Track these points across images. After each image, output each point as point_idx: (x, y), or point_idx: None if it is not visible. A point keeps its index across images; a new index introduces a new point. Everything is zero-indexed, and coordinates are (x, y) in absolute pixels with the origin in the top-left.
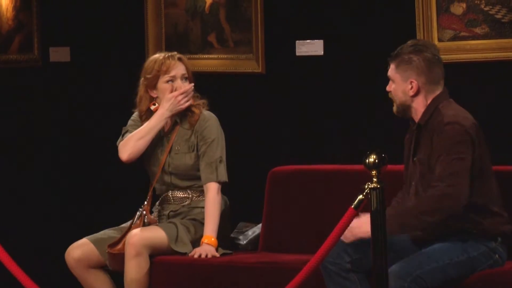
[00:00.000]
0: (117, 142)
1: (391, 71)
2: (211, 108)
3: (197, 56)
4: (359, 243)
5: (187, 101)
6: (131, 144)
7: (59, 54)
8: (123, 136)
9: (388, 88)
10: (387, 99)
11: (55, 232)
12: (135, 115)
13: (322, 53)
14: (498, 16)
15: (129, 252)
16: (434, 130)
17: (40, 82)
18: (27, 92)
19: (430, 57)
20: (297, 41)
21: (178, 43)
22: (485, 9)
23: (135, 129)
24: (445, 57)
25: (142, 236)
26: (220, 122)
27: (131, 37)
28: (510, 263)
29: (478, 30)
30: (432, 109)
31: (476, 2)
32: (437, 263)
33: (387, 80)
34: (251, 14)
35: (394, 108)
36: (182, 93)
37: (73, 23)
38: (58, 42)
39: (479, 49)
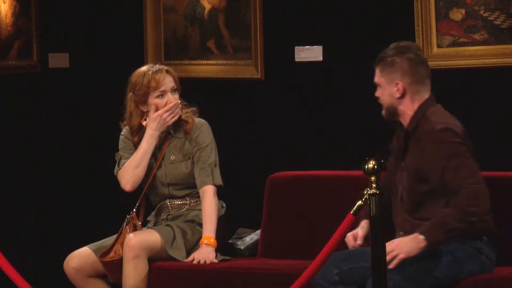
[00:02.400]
0: (115, 171)
1: (377, 76)
2: (211, 114)
3: (196, 62)
4: (348, 254)
5: (173, 116)
6: (130, 174)
7: (58, 60)
8: (118, 163)
9: (376, 94)
10: None
11: (54, 241)
12: (125, 131)
13: (321, 59)
14: (497, 22)
15: (127, 255)
16: (423, 138)
17: (39, 88)
18: (26, 98)
19: (413, 57)
20: (296, 47)
21: (177, 49)
22: (484, 15)
23: (128, 150)
24: (444, 63)
25: (139, 238)
26: (219, 128)
27: (130, 43)
28: (501, 269)
29: (477, 36)
30: (419, 115)
31: (475, 8)
32: (424, 267)
33: None
34: (250, 20)
35: (383, 112)
36: (167, 111)
37: (72, 29)
38: (57, 48)
39: (478, 55)
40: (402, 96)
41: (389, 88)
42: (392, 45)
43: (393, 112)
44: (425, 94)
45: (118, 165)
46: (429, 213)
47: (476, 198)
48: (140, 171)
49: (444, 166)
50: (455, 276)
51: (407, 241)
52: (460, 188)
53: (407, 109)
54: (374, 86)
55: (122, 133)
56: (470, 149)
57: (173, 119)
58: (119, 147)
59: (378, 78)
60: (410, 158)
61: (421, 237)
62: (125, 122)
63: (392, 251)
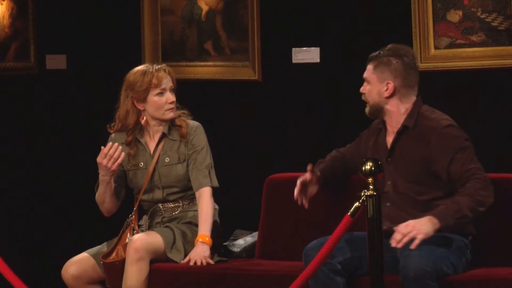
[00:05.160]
0: (95, 188)
1: (368, 72)
2: (208, 116)
3: (193, 63)
4: (351, 242)
5: (114, 162)
6: (101, 207)
7: (56, 62)
8: (98, 186)
9: (362, 90)
10: None
11: (51, 247)
12: (115, 138)
13: (318, 60)
14: (495, 23)
15: (132, 257)
16: (428, 134)
17: (37, 89)
18: (23, 99)
19: (409, 62)
20: (293, 49)
21: (174, 50)
22: (482, 16)
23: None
24: (441, 65)
25: (144, 240)
26: (216, 129)
27: (128, 44)
28: (501, 270)
29: (474, 38)
30: (415, 113)
31: (472, 9)
32: (442, 249)
33: None
34: (247, 22)
35: (367, 109)
36: (104, 158)
37: (70, 31)
38: (55, 50)
39: (476, 56)
40: (391, 96)
41: (379, 86)
42: (390, 46)
43: (378, 110)
44: (413, 97)
45: (97, 189)
46: (429, 206)
47: (486, 189)
48: (107, 205)
49: (452, 158)
50: (459, 263)
51: (424, 222)
52: (470, 179)
53: (394, 109)
54: None
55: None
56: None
57: (116, 165)
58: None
59: (369, 74)
60: (411, 153)
61: (436, 219)
62: (113, 124)
63: (409, 232)
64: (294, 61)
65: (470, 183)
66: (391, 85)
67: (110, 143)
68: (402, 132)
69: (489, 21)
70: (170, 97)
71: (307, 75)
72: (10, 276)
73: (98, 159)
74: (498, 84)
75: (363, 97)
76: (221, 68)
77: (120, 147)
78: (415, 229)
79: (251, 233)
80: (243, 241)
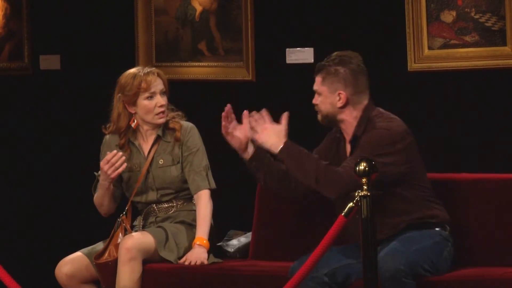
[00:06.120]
0: (92, 189)
1: (317, 84)
2: (202, 116)
3: (187, 64)
4: (336, 251)
5: (114, 170)
6: (99, 209)
7: (49, 62)
8: (95, 188)
9: (314, 101)
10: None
11: (44, 246)
12: (109, 139)
13: (312, 60)
14: (488, 24)
15: (124, 257)
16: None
17: (30, 90)
18: (16, 99)
19: (355, 67)
20: (287, 49)
21: (168, 51)
22: (475, 17)
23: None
24: (435, 65)
25: (135, 240)
26: (210, 130)
27: (121, 45)
28: (497, 269)
29: (468, 38)
30: (365, 120)
31: (466, 10)
32: (417, 245)
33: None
34: (241, 22)
35: (320, 118)
36: (106, 163)
37: (63, 31)
38: (48, 50)
39: (469, 57)
40: (344, 106)
41: (331, 97)
42: (335, 54)
43: (332, 119)
44: (365, 101)
45: (94, 190)
46: (392, 209)
47: (339, 175)
48: (106, 207)
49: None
50: (437, 260)
51: (273, 136)
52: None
53: (349, 118)
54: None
55: (102, 145)
56: (407, 149)
57: (116, 173)
58: (100, 163)
59: (319, 86)
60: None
61: (284, 139)
62: (109, 125)
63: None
64: (288, 61)
65: (342, 168)
66: (343, 95)
67: (115, 151)
68: (353, 141)
69: (482, 22)
70: (160, 100)
71: (301, 76)
72: (4, 275)
73: (101, 164)
74: (492, 85)
75: (316, 108)
76: (215, 68)
77: (124, 157)
78: (264, 128)
79: (245, 233)
80: (237, 242)
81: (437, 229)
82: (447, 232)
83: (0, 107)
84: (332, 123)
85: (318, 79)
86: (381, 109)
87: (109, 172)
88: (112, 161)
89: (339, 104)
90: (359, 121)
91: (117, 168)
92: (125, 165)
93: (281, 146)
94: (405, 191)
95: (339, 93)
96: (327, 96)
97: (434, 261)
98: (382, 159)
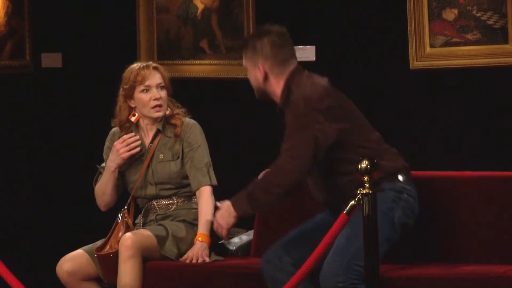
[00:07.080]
0: (93, 182)
1: (244, 60)
2: (203, 114)
3: (189, 62)
4: (298, 240)
5: (128, 150)
6: (100, 199)
7: (51, 60)
8: (96, 180)
9: (248, 77)
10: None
11: (45, 244)
12: (114, 132)
13: (314, 59)
14: (490, 22)
15: (124, 255)
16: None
17: (32, 88)
18: (18, 98)
19: (273, 40)
20: None
21: (170, 49)
22: (477, 15)
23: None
24: (437, 63)
25: (136, 238)
26: (212, 127)
27: (123, 43)
28: (497, 267)
29: (470, 36)
30: (286, 91)
31: (468, 8)
32: (358, 241)
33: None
34: (243, 20)
35: (255, 94)
36: (121, 142)
37: (65, 29)
38: (50, 48)
39: (471, 55)
40: (266, 78)
41: (254, 71)
42: (255, 30)
43: (263, 93)
44: (288, 70)
45: (96, 181)
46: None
47: (287, 174)
48: (108, 197)
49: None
50: (391, 232)
51: (222, 214)
52: (278, 158)
53: (275, 89)
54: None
55: (107, 138)
56: (328, 107)
57: (127, 154)
58: (103, 156)
59: (244, 62)
60: None
61: (231, 208)
62: (115, 119)
63: (218, 228)
64: None
65: (274, 163)
66: (261, 68)
67: (133, 133)
68: (279, 113)
69: (484, 20)
70: (155, 94)
71: None
72: (5, 273)
73: (116, 143)
74: (494, 83)
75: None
76: (216, 66)
77: (140, 141)
78: (219, 223)
79: (247, 231)
80: (238, 240)
81: (386, 184)
82: (401, 181)
83: (2, 105)
84: (264, 96)
85: (244, 55)
86: (306, 74)
87: (121, 151)
88: (128, 141)
89: (260, 77)
90: (282, 92)
91: (131, 149)
92: (138, 148)
93: (236, 213)
94: (346, 153)
95: (259, 67)
96: (252, 71)
97: (391, 235)
98: (307, 131)
